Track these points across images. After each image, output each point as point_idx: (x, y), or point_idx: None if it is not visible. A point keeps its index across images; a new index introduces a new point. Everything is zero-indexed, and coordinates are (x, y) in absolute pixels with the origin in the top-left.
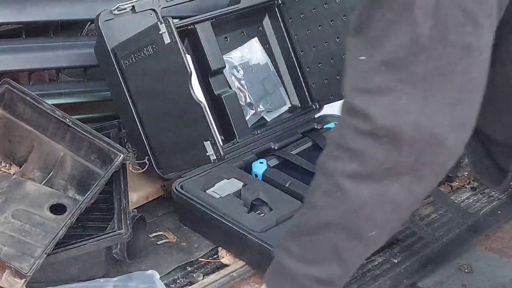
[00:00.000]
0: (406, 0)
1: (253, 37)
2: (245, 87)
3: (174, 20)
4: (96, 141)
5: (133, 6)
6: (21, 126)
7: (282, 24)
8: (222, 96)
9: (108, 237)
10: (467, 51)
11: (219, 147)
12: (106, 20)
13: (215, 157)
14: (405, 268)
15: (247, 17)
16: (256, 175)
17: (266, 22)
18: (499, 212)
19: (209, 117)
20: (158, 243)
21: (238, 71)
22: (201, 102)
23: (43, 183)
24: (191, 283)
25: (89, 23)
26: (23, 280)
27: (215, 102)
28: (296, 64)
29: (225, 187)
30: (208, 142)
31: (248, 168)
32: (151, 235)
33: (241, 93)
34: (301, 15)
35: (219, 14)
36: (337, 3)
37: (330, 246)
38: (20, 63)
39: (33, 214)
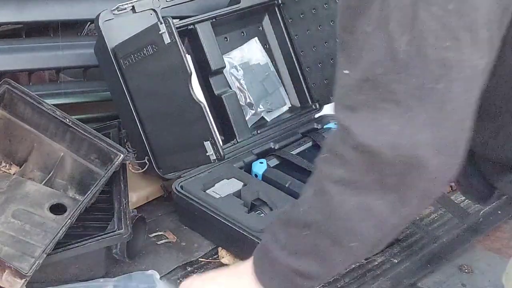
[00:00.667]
0: (381, 12)
1: (253, 37)
2: (245, 87)
3: (174, 20)
4: (96, 141)
5: (133, 6)
6: (21, 126)
7: (282, 24)
8: (222, 96)
9: (108, 237)
10: (447, 68)
11: (219, 147)
12: (106, 20)
13: (215, 157)
14: (405, 268)
15: (247, 17)
16: (256, 175)
17: (266, 22)
18: (499, 212)
19: (209, 117)
20: (158, 243)
21: (238, 71)
22: (201, 102)
23: (43, 183)
24: None
25: (89, 23)
26: (23, 280)
27: (215, 102)
28: (296, 64)
29: (225, 187)
30: (208, 142)
31: (248, 168)
32: (151, 235)
33: (241, 93)
34: (301, 15)
35: (219, 14)
36: (337, 3)
37: (313, 245)
38: (20, 63)
39: (33, 214)
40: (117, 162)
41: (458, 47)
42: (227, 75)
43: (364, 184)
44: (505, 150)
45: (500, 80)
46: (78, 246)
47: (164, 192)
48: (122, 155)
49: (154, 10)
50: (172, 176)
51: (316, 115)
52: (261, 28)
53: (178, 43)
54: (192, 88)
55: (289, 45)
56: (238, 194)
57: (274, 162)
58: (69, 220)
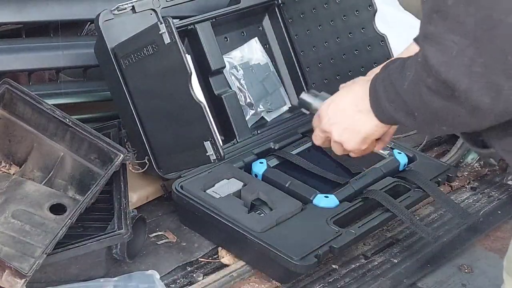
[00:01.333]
0: None
1: (253, 37)
2: (245, 87)
3: (174, 20)
4: (96, 141)
5: (133, 6)
6: (21, 126)
7: (282, 24)
8: (222, 96)
9: (108, 237)
10: None
11: (219, 147)
12: (106, 20)
13: (215, 157)
14: (405, 268)
15: (247, 17)
16: (256, 175)
17: (266, 22)
18: (499, 212)
19: (209, 117)
20: (158, 243)
21: (238, 71)
22: (201, 102)
23: (43, 183)
24: (191, 283)
25: (89, 23)
26: (23, 280)
27: (215, 102)
28: (296, 64)
29: (225, 187)
30: (208, 142)
31: (248, 168)
32: (151, 235)
33: (241, 93)
34: (301, 15)
35: (219, 14)
36: (337, 3)
37: (412, 113)
38: (20, 63)
39: (33, 214)
40: (117, 162)
41: None
42: (227, 75)
43: (444, 98)
44: None
45: None
46: (78, 246)
47: (164, 192)
48: (122, 155)
49: (154, 10)
50: (172, 176)
51: None
52: (261, 28)
53: (178, 43)
54: (192, 88)
55: (289, 45)
56: (238, 194)
57: (274, 162)
58: (69, 220)
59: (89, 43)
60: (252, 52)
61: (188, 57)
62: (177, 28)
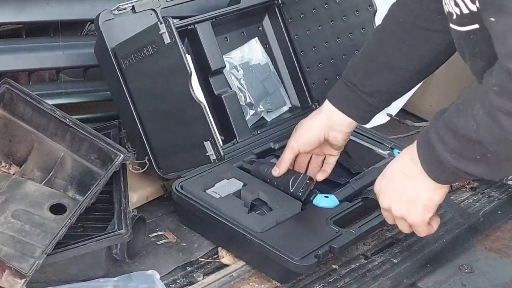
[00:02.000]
0: None
1: (253, 37)
2: (245, 87)
3: (174, 20)
4: (96, 141)
5: (133, 6)
6: (21, 126)
7: (282, 24)
8: (222, 96)
9: (108, 237)
10: None
11: (219, 147)
12: (106, 20)
13: (215, 157)
14: (405, 268)
15: (247, 17)
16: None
17: (266, 22)
18: (499, 212)
19: (209, 117)
20: (158, 243)
21: (238, 71)
22: (201, 102)
23: (43, 183)
24: (191, 283)
25: (89, 23)
26: (23, 280)
27: (215, 102)
28: (296, 64)
29: (225, 187)
30: (208, 142)
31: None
32: (151, 235)
33: (241, 93)
34: (301, 15)
35: (219, 14)
36: (337, 4)
37: (484, 156)
38: (20, 63)
39: (33, 214)
40: (117, 162)
41: None
42: (227, 75)
43: None
44: None
45: None
46: (78, 246)
47: (164, 192)
48: (122, 155)
49: (154, 10)
50: (172, 176)
51: None
52: (261, 28)
53: (178, 43)
54: (192, 88)
55: (289, 45)
56: (238, 194)
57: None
58: (69, 220)
59: (89, 43)
60: (252, 52)
61: (188, 57)
62: (177, 28)
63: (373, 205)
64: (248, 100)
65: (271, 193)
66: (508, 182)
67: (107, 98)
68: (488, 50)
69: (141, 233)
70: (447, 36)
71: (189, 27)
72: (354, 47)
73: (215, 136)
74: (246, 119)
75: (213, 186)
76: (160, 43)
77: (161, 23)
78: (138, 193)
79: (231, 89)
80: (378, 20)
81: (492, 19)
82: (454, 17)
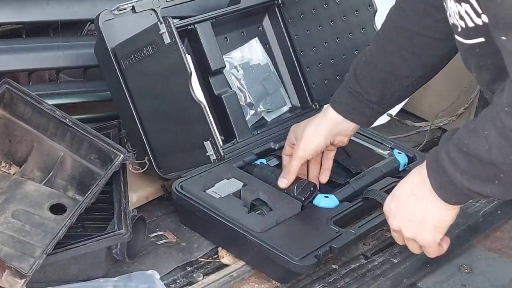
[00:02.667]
0: None
1: (253, 37)
2: (245, 87)
3: (174, 20)
4: (96, 141)
5: (133, 6)
6: (21, 126)
7: (282, 24)
8: (222, 96)
9: (108, 237)
10: None
11: (219, 147)
12: (106, 20)
13: (215, 157)
14: (405, 268)
15: (247, 17)
16: None
17: (266, 22)
18: (499, 212)
19: (209, 117)
20: (158, 243)
21: (238, 71)
22: (201, 102)
23: (43, 183)
24: (191, 283)
25: (89, 23)
26: (23, 280)
27: (215, 102)
28: (296, 64)
29: (225, 187)
30: (208, 142)
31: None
32: (151, 235)
33: (241, 93)
34: (301, 15)
35: (219, 14)
36: (337, 4)
37: (497, 176)
38: (20, 63)
39: (33, 214)
40: (117, 162)
41: None
42: (227, 75)
43: None
44: None
45: None
46: (78, 246)
47: (164, 192)
48: (122, 155)
49: (154, 10)
50: (172, 176)
51: None
52: (261, 28)
53: (178, 43)
54: (192, 88)
55: (289, 45)
56: (238, 194)
57: (274, 162)
58: (69, 220)
59: (89, 43)
60: (252, 52)
61: (188, 57)
62: (177, 28)
63: (373, 205)
64: (248, 100)
65: (271, 193)
66: None
67: (107, 98)
68: (494, 63)
69: (141, 233)
70: (450, 42)
71: (189, 27)
72: (354, 47)
73: (215, 136)
74: (246, 119)
75: (213, 186)
76: (160, 43)
77: (161, 23)
78: (138, 193)
79: (231, 89)
80: (378, 20)
81: (503, 38)
82: (459, 29)
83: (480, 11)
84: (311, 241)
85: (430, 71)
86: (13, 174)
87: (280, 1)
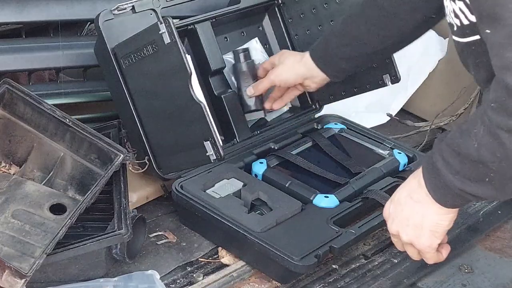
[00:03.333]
0: None
1: (253, 37)
2: None
3: (174, 20)
4: (96, 141)
5: (133, 6)
6: (21, 126)
7: (282, 24)
8: (222, 96)
9: (108, 237)
10: None
11: (219, 147)
12: (106, 20)
13: (215, 157)
14: (405, 268)
15: (247, 17)
16: (256, 175)
17: (266, 22)
18: (499, 212)
19: (209, 117)
20: (158, 243)
21: None
22: (201, 102)
23: (43, 183)
24: (191, 283)
25: (89, 23)
26: (23, 280)
27: (215, 102)
28: None
29: (225, 187)
30: (208, 142)
31: (248, 168)
32: (151, 235)
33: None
34: (301, 15)
35: (219, 14)
36: (337, 3)
37: (487, 176)
38: (20, 63)
39: (33, 214)
40: (117, 162)
41: None
42: (227, 75)
43: None
44: None
45: None
46: (78, 246)
47: (164, 192)
48: (122, 155)
49: (154, 10)
50: (172, 176)
51: (316, 115)
52: (261, 28)
53: (178, 43)
54: (192, 88)
55: (289, 45)
56: (238, 194)
57: (274, 162)
58: (69, 220)
59: (89, 43)
60: (252, 52)
61: (188, 57)
62: (177, 28)
63: (373, 205)
64: None
65: (271, 193)
66: None
67: (107, 98)
68: (490, 60)
69: (141, 233)
70: (412, 23)
71: (189, 27)
72: None
73: (215, 136)
74: (246, 119)
75: (213, 186)
76: (160, 43)
77: (161, 23)
78: (138, 193)
79: (231, 89)
80: None
81: (487, 30)
82: (455, 28)
83: None
84: (311, 241)
85: (390, 45)
86: (13, 174)
87: (280, 1)
